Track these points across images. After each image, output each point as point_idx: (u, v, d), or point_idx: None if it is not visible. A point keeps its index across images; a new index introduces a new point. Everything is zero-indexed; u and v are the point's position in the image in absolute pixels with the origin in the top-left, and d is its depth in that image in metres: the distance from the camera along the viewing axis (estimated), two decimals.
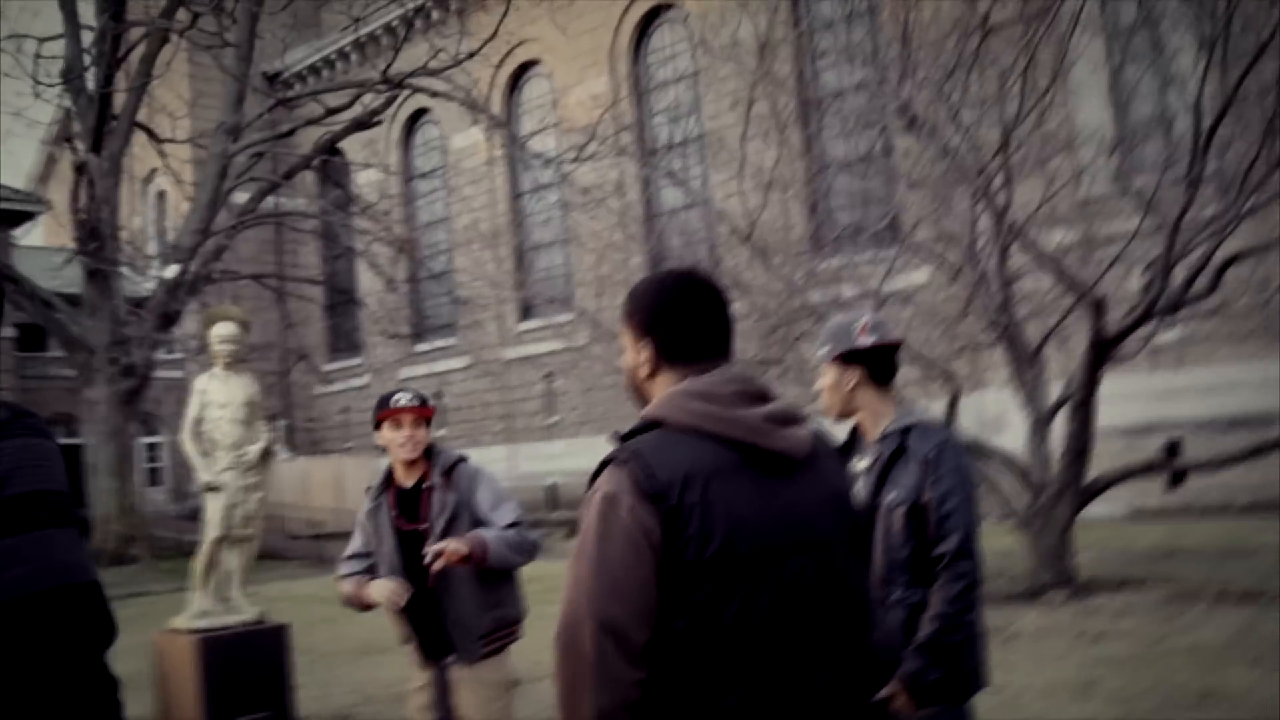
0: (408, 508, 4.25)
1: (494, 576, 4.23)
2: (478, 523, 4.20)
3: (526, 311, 31.50)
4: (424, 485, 4.24)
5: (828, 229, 16.18)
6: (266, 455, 6.93)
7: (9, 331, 27.14)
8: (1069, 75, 11.71)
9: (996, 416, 19.86)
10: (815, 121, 20.88)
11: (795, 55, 20.54)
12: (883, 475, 3.21)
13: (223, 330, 6.83)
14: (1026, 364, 11.83)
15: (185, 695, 6.34)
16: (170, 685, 6.53)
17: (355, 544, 4.40)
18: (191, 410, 6.80)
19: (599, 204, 21.56)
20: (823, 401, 3.37)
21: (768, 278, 13.38)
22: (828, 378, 3.33)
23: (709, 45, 17.21)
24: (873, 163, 15.25)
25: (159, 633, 6.81)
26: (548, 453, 31.89)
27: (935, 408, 12.27)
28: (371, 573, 4.30)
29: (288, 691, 6.62)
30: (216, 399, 6.75)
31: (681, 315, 2.08)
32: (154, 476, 29.80)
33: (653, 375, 2.10)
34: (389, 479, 4.32)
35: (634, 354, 2.13)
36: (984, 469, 12.24)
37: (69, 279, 24.35)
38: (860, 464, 3.30)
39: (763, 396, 2.04)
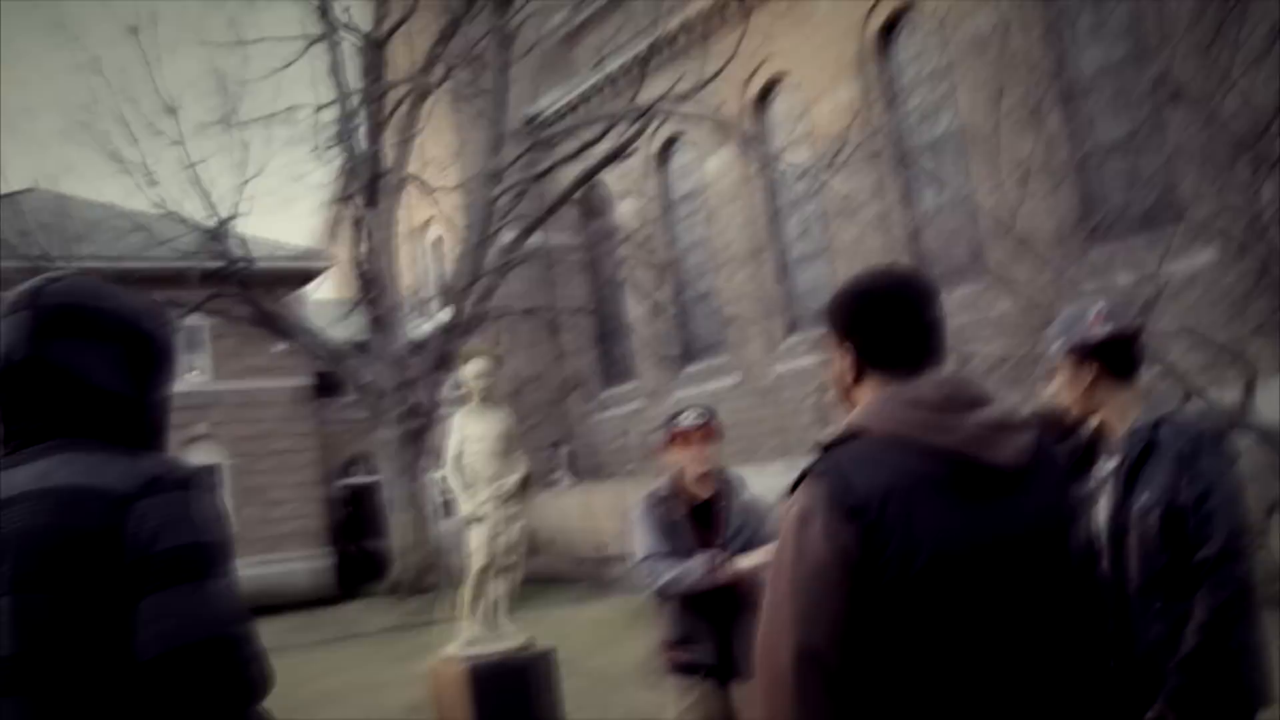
0: (700, 520, 4.25)
1: None
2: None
3: (792, 326, 31.28)
4: (720, 504, 4.25)
5: (1098, 215, 15.30)
6: (525, 484, 7.08)
7: (307, 380, 29.05)
8: None
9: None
10: (1076, 104, 19.88)
11: (1045, 36, 19.61)
12: (1131, 477, 2.92)
13: (474, 367, 7.07)
14: None
15: (460, 717, 6.53)
16: (445, 710, 6.75)
17: (652, 543, 4.27)
18: (451, 446, 7.04)
19: (856, 212, 21.20)
20: (1061, 400, 3.11)
21: (1035, 271, 12.75)
22: (1063, 374, 3.07)
23: (954, 38, 16.66)
24: (1142, 141, 14.33)
25: (434, 661, 7.06)
26: None
27: (1229, 396, 11.36)
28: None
29: (557, 715, 6.71)
30: (473, 433, 6.97)
31: (881, 316, 1.95)
32: (446, 509, 31.22)
33: (857, 383, 1.98)
34: (676, 487, 4.30)
35: (837, 361, 2.01)
36: None
37: (355, 327, 25.88)
38: (1106, 466, 3.02)
39: (978, 402, 1.87)
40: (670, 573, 4.15)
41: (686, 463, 4.23)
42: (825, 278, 31.31)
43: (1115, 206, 14.23)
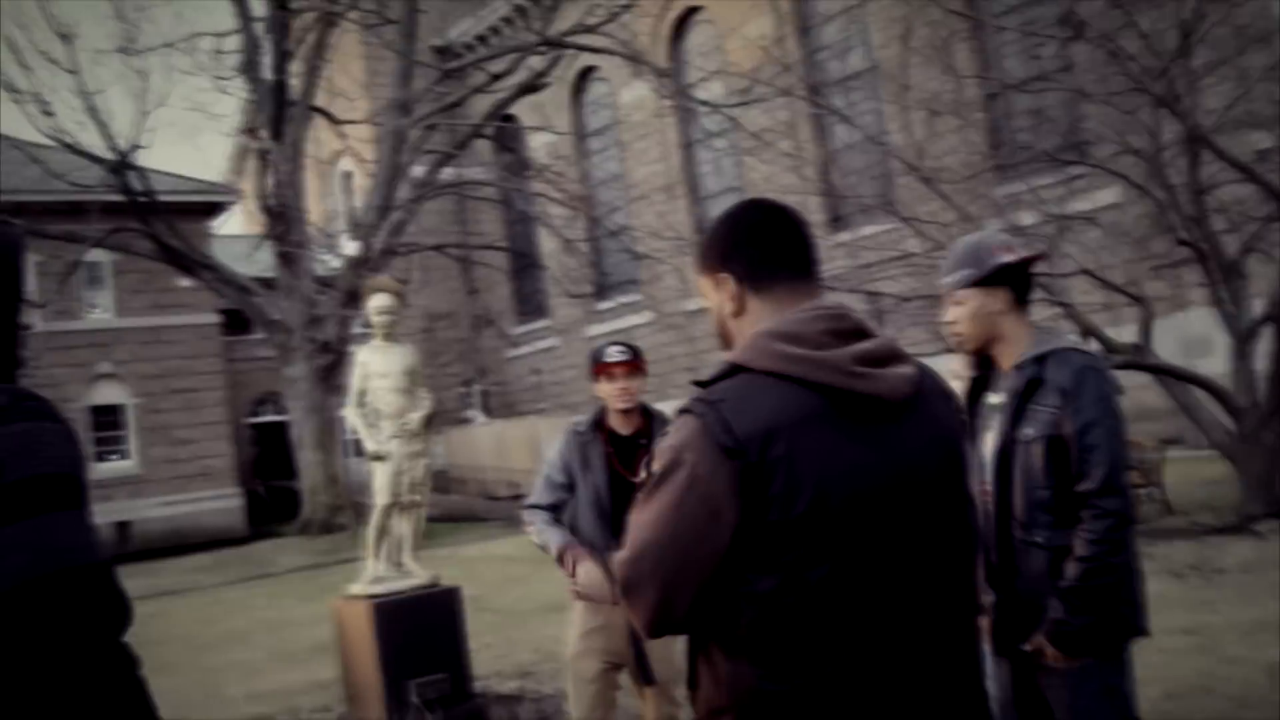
0: (623, 455, 4.24)
1: None
2: None
3: None
4: (641, 440, 4.23)
5: (1004, 154, 15.47)
6: (429, 422, 7.00)
7: (214, 317, 28.50)
8: None
9: (1201, 338, 18.79)
10: (983, 42, 20.01)
11: None
12: (1018, 409, 2.93)
13: (378, 302, 6.92)
14: (1225, 280, 11.08)
15: (364, 659, 6.51)
16: (350, 649, 6.71)
17: (543, 493, 4.35)
18: (354, 383, 6.93)
19: (768, 147, 21.17)
20: (959, 333, 3.08)
21: (942, 209, 12.87)
22: (968, 306, 3.03)
23: None
24: (1047, 80, 14.47)
25: (338, 599, 7.01)
26: None
27: (1126, 333, 11.62)
28: (559, 523, 4.27)
29: (463, 652, 6.71)
30: (377, 370, 6.85)
31: (757, 237, 1.92)
32: (356, 447, 31.03)
33: (739, 312, 1.92)
34: (599, 422, 4.32)
35: (716, 296, 1.95)
36: (1184, 395, 11.56)
37: (263, 264, 25.41)
38: (995, 398, 3.04)
39: (857, 333, 1.84)
40: (539, 534, 4.25)
41: (610, 397, 4.23)
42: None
43: (1020, 145, 14.39)
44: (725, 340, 1.97)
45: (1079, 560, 2.80)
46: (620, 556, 1.81)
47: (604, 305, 35.06)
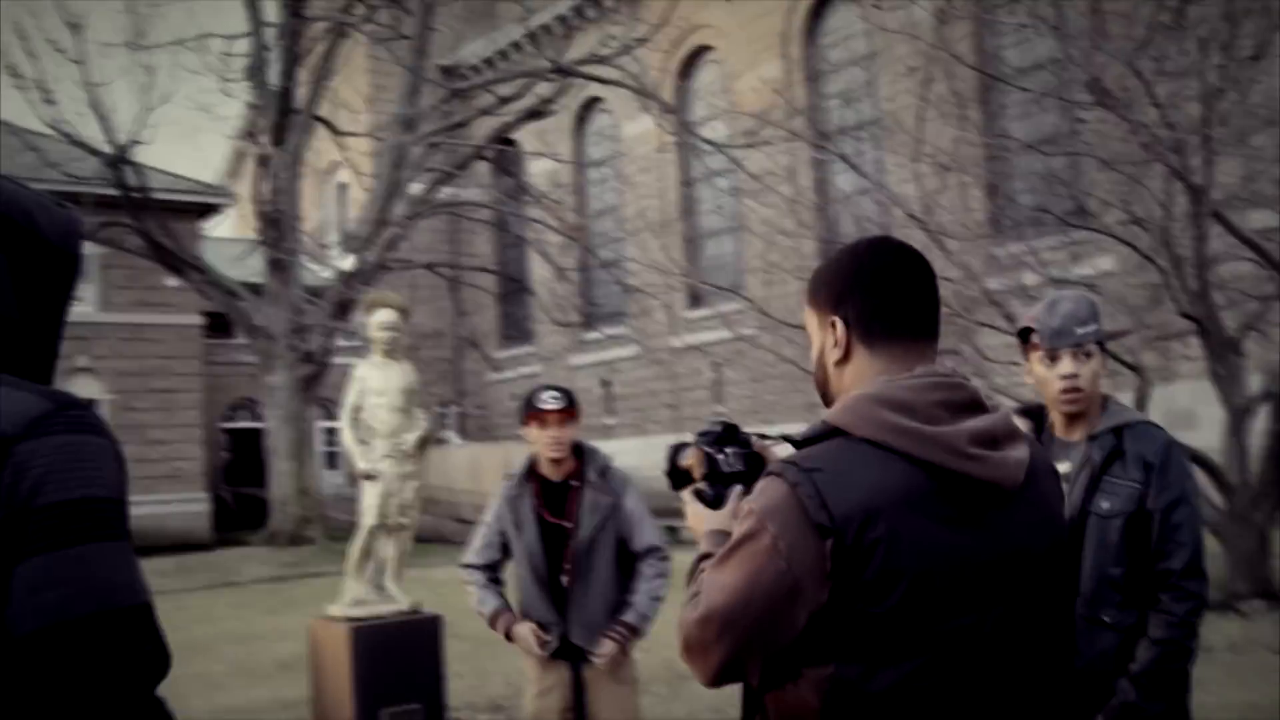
0: (552, 502, 4.19)
1: (618, 584, 4.21)
2: (620, 528, 4.17)
3: (695, 300, 31.29)
4: (572, 483, 4.20)
5: (1009, 213, 15.44)
6: (424, 444, 6.84)
7: (197, 319, 28.22)
8: (1276, 42, 10.81)
9: (1187, 411, 18.77)
10: (996, 100, 20.07)
11: (975, 30, 19.76)
12: (1095, 480, 2.79)
13: (382, 317, 6.77)
14: (1224, 355, 11.02)
15: (338, 682, 6.30)
16: (324, 671, 6.51)
17: (480, 551, 4.36)
18: (350, 398, 6.77)
19: (769, 190, 21.13)
20: (1079, 391, 2.86)
21: (944, 264, 12.79)
22: (1094, 363, 2.84)
23: (882, 22, 16.63)
24: (1058, 143, 14.46)
25: (315, 619, 6.81)
26: None
27: (1126, 403, 11.53)
28: (499, 584, 4.34)
29: (439, 682, 6.52)
30: (374, 386, 6.69)
31: (880, 281, 1.73)
32: (331, 460, 30.66)
33: (845, 360, 1.74)
34: (531, 471, 4.27)
35: (820, 337, 1.78)
36: None
37: (252, 269, 25.19)
38: (1062, 468, 2.86)
39: (973, 406, 1.68)
40: (475, 598, 4.33)
41: (542, 445, 4.16)
42: (732, 254, 31.40)
43: (1026, 206, 14.37)
44: (821, 387, 1.82)
45: (1157, 644, 2.67)
46: (688, 614, 1.66)
47: (590, 336, 34.92)
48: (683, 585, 1.84)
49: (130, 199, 21.93)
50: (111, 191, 21.77)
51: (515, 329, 38.51)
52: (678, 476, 2.13)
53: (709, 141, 23.93)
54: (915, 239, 13.82)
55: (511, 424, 38.22)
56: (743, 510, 1.65)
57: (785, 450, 2.09)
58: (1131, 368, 11.42)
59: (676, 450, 2.15)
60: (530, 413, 4.15)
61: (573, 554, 4.12)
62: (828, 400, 1.80)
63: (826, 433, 1.66)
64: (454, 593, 16.15)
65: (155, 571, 20.63)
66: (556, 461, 4.19)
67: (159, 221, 22.58)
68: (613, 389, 35.19)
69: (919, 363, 1.72)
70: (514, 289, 34.97)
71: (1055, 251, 13.38)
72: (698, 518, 1.97)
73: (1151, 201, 11.31)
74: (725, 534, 1.90)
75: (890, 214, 15.73)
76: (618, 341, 34.04)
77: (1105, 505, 2.76)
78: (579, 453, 4.25)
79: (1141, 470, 2.74)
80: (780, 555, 1.56)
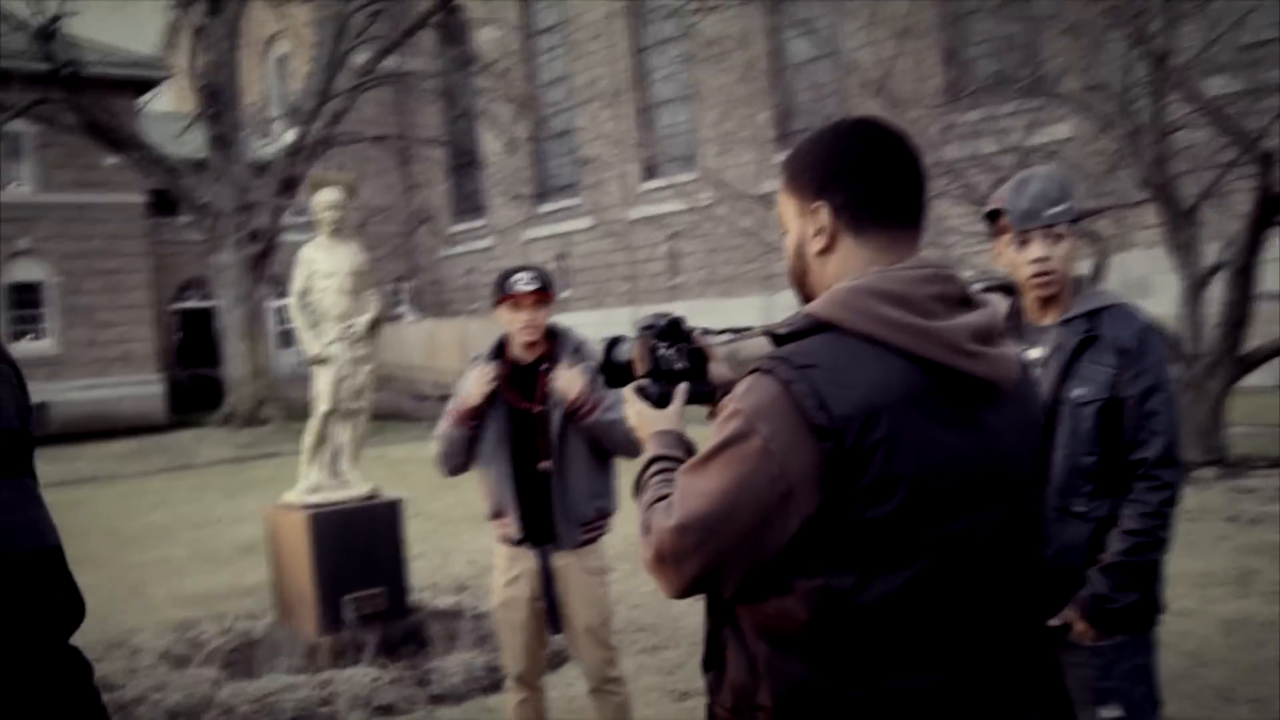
0: (522, 385, 4.06)
1: (600, 465, 4.09)
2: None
3: (649, 171, 30.91)
4: (543, 366, 4.05)
5: (966, 80, 15.22)
6: (375, 326, 6.67)
7: (141, 198, 27.55)
8: None
9: (1141, 279, 18.87)
10: None
11: None
12: (1067, 367, 2.68)
13: (326, 196, 6.55)
14: (1181, 224, 10.99)
15: (299, 570, 6.25)
16: (284, 559, 6.45)
17: (446, 425, 4.18)
18: (297, 281, 6.57)
19: (724, 58, 20.73)
20: (1050, 274, 2.73)
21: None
22: (1066, 244, 2.72)
23: None
24: (1017, 8, 14.19)
25: (271, 506, 6.72)
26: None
27: (1083, 271, 11.51)
28: (472, 444, 4.11)
29: (401, 566, 6.48)
30: (322, 269, 6.50)
31: (869, 164, 1.60)
32: (285, 339, 30.33)
33: (829, 249, 1.61)
34: (500, 351, 4.13)
35: (801, 224, 1.64)
36: None
37: (194, 145, 24.51)
38: (1034, 353, 2.76)
39: (965, 300, 1.57)
40: (437, 431, 4.15)
41: (515, 328, 4.01)
42: (686, 124, 30.95)
43: (985, 72, 14.16)
44: (799, 279, 1.68)
45: (1129, 534, 2.60)
46: (662, 521, 1.55)
47: (544, 208, 34.54)
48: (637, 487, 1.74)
49: (62, 75, 21.13)
50: (41, 66, 20.94)
51: (467, 203, 37.97)
52: (613, 372, 2.00)
53: (660, 6, 23.35)
54: (871, 108, 13.62)
55: (465, 299, 38.08)
56: (726, 409, 1.53)
57: (718, 350, 1.97)
58: (1088, 236, 11.39)
59: (613, 344, 2.01)
60: (503, 295, 3.99)
61: (548, 439, 4.01)
62: (806, 293, 1.67)
63: (813, 327, 1.53)
64: (414, 470, 16.18)
65: (111, 455, 20.50)
66: (530, 344, 4.05)
67: (94, 97, 21.81)
68: (568, 262, 34.93)
69: (908, 253, 1.61)
70: (464, 162, 34.40)
71: (1013, 118, 13.19)
72: (641, 417, 1.85)
73: (1111, 68, 11.15)
74: (674, 435, 1.79)
75: (846, 82, 15.47)
76: (571, 214, 33.70)
77: (1078, 392, 2.67)
78: (551, 335, 4.11)
79: (1116, 355, 2.64)
80: (773, 458, 1.45)
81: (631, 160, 30.43)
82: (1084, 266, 11.60)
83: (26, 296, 26.41)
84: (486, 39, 31.67)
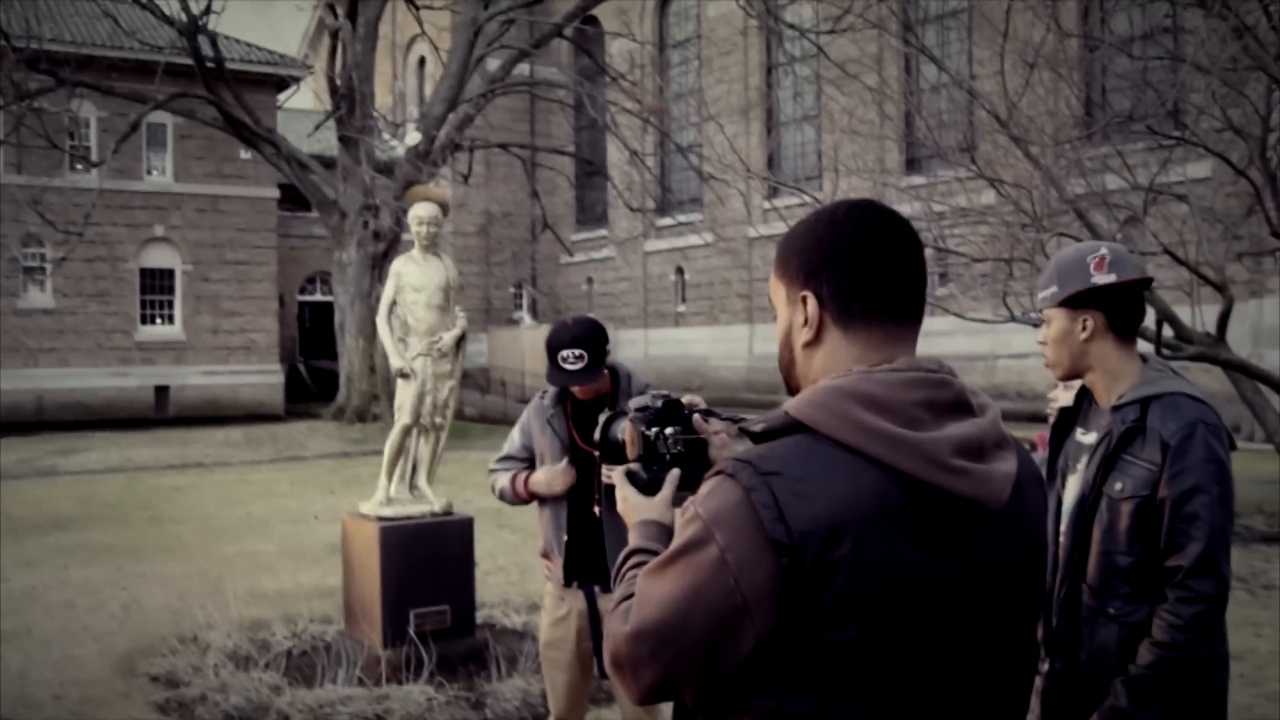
0: (584, 425, 3.97)
1: None
2: None
3: (774, 190, 30.68)
4: (604, 404, 3.95)
5: (1098, 115, 14.74)
6: (460, 343, 6.66)
7: (273, 191, 28.29)
8: None
9: (1272, 329, 18.08)
10: None
11: None
12: (1110, 457, 2.49)
13: (422, 211, 6.54)
14: None
15: (367, 581, 6.27)
16: (354, 569, 6.48)
17: (514, 446, 4.16)
18: (386, 293, 6.59)
19: (852, 79, 20.44)
20: (1047, 357, 2.66)
21: (1025, 168, 12.24)
22: (1054, 326, 2.60)
23: None
24: (1155, 42, 13.69)
25: (346, 515, 6.75)
26: None
27: (1206, 318, 11.02)
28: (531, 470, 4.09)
29: (469, 585, 6.45)
30: (412, 282, 6.50)
31: (861, 253, 1.47)
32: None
33: (815, 342, 1.50)
34: (563, 393, 4.06)
35: (788, 313, 1.53)
36: (1250, 387, 11.03)
37: (325, 143, 25.07)
38: (1087, 437, 2.59)
39: (958, 407, 1.44)
40: (498, 481, 4.11)
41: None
42: (813, 144, 30.68)
43: (1118, 110, 13.68)
44: (786, 370, 1.56)
45: (1156, 646, 2.39)
46: (619, 626, 1.44)
47: (664, 222, 34.56)
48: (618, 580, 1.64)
49: (204, 69, 21.82)
50: (186, 61, 21.65)
51: (589, 213, 38.21)
52: (610, 450, 1.89)
53: (792, 25, 23.14)
54: (997, 139, 13.26)
55: (582, 307, 38.28)
56: (687, 511, 1.42)
57: (731, 436, 1.84)
58: (1215, 285, 10.91)
59: (610, 421, 1.90)
60: (552, 364, 3.86)
61: (603, 483, 3.93)
62: (792, 385, 1.55)
63: (788, 427, 1.42)
64: None
65: (224, 442, 21.07)
66: (587, 389, 3.98)
67: (233, 92, 22.48)
68: (685, 276, 34.88)
69: (899, 352, 1.48)
70: (589, 171, 34.61)
71: (1145, 155, 12.71)
72: (628, 504, 1.74)
73: (1250, 110, 10.67)
74: (658, 526, 1.69)
75: (972, 112, 15.14)
76: (692, 228, 33.64)
77: (1118, 486, 2.48)
78: (614, 374, 4.02)
79: (1159, 451, 2.44)
80: (728, 571, 1.34)
81: (755, 178, 30.23)
82: (1211, 312, 11.10)
83: (158, 282, 27.32)
84: (619, 50, 31.82)
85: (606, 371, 4.01)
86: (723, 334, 33.18)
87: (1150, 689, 2.39)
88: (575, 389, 3.96)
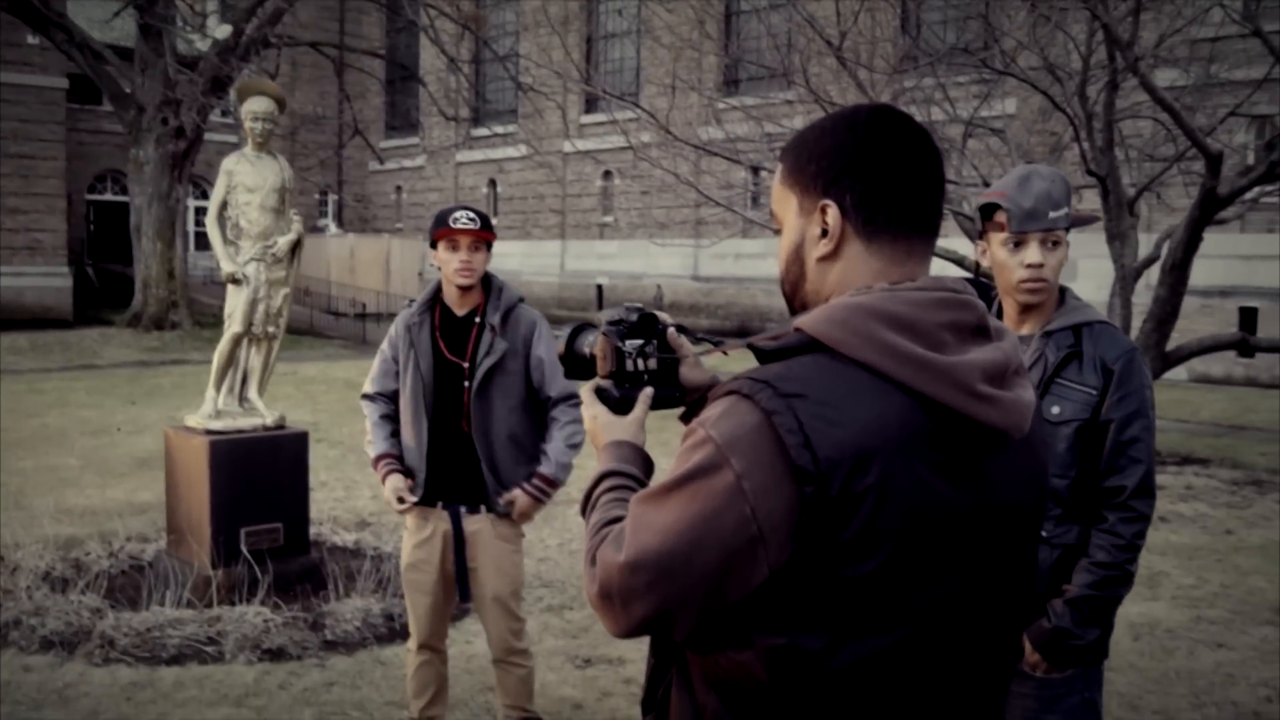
0: (452, 337, 3.84)
1: (531, 427, 3.91)
2: (527, 374, 3.85)
3: (590, 105, 30.40)
4: (475, 319, 3.83)
5: (922, 46, 15.02)
6: (296, 248, 6.34)
7: (60, 82, 26.45)
8: None
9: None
10: None
11: None
12: (1046, 382, 2.50)
13: (256, 105, 6.14)
14: (1120, 214, 10.95)
15: (195, 498, 5.94)
16: (179, 485, 6.13)
17: (379, 379, 3.99)
18: (217, 193, 6.20)
19: None
20: (1042, 283, 2.54)
21: (856, 96, 12.38)
22: (1061, 251, 2.51)
23: None
24: None
25: (169, 427, 6.39)
26: (600, 252, 31.33)
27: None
28: (394, 420, 3.94)
29: (303, 502, 6.20)
30: (245, 182, 6.13)
31: (889, 160, 1.37)
32: (201, 241, 29.47)
33: (834, 255, 1.39)
34: (435, 298, 3.89)
35: (801, 223, 1.42)
36: None
37: (122, 32, 23.53)
38: None
39: (980, 330, 1.36)
40: (367, 430, 3.99)
41: (450, 269, 3.76)
42: (633, 60, 30.45)
43: (945, 41, 13.96)
44: (793, 286, 1.45)
45: (1099, 566, 2.45)
46: (610, 555, 1.33)
47: (479, 132, 33.90)
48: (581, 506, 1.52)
49: None
50: None
51: (401, 119, 37.14)
52: (574, 364, 1.75)
53: None
54: (825, 65, 13.39)
55: (391, 216, 37.39)
56: (695, 433, 1.31)
57: (692, 350, 1.73)
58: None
59: (576, 333, 1.75)
60: (440, 230, 3.74)
61: (469, 397, 3.78)
62: (799, 303, 1.44)
63: (804, 346, 1.32)
64: (323, 392, 15.77)
65: (10, 349, 19.79)
66: (464, 290, 3.81)
67: None
68: (498, 189, 34.39)
69: (920, 268, 1.40)
70: (403, 76, 33.57)
71: (964, 89, 13.04)
72: (597, 424, 1.62)
73: (1068, 49, 11.02)
74: (631, 447, 1.58)
75: (800, 36, 15.21)
76: (506, 140, 33.12)
77: (1055, 410, 2.50)
78: (486, 287, 3.87)
79: (1099, 376, 2.48)
80: (745, 498, 1.24)
81: (573, 92, 29.86)
82: None
83: None
84: None
85: (481, 282, 3.86)
86: (535, 248, 32.90)
87: (1094, 608, 2.46)
88: (456, 283, 3.79)
